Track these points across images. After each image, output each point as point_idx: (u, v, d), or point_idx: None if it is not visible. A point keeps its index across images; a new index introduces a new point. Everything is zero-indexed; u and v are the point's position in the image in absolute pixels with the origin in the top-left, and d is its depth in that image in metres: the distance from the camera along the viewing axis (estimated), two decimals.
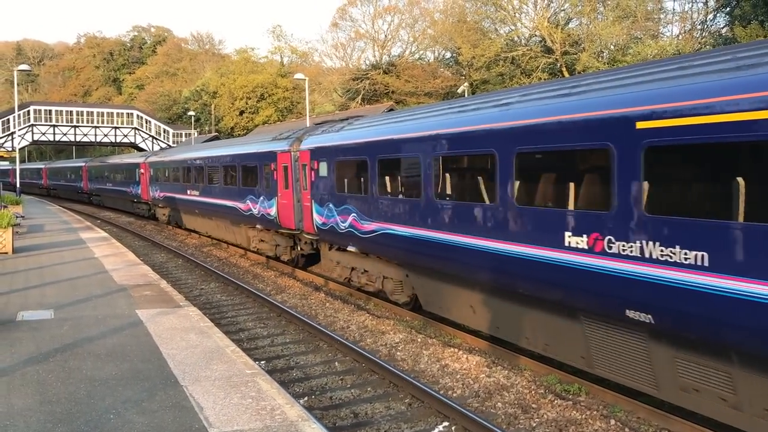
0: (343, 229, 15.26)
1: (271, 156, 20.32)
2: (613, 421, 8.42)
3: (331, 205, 15.92)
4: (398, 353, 11.64)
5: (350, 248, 15.31)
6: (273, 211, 20.12)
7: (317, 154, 16.84)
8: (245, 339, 12.82)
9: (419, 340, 12.22)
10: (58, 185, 66.21)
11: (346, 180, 15.52)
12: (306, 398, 9.55)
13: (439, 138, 11.61)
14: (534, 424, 8.52)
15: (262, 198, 20.98)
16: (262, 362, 11.06)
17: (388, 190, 13.66)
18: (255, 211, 21.54)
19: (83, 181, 55.45)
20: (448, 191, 11.74)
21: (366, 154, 14.11)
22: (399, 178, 13.31)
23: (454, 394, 9.64)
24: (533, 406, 9.06)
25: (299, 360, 11.50)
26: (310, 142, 17.54)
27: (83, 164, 56.65)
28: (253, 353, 11.62)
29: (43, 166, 75.31)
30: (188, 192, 29.33)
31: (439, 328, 13.16)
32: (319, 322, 13.93)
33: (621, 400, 9.03)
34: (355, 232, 14.60)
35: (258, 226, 21.92)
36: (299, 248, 20.23)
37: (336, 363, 11.21)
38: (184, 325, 10.69)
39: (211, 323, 11.10)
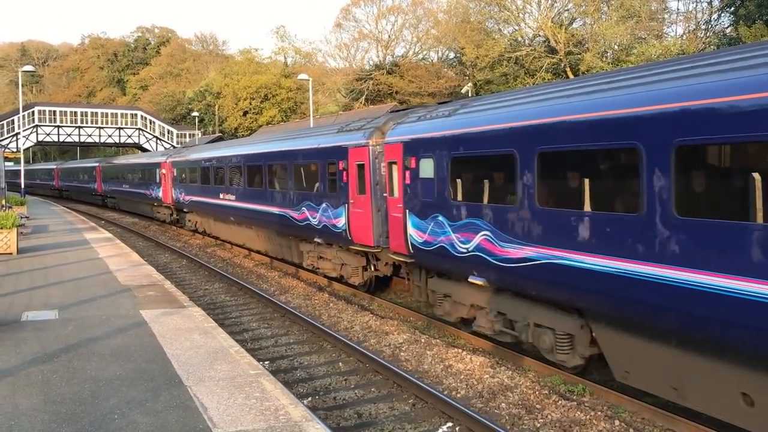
0: (462, 252, 11.07)
1: (338, 152, 16.15)
2: (617, 422, 8.40)
3: (440, 218, 11.77)
4: (402, 354, 11.63)
5: (474, 279, 11.01)
6: (341, 222, 16.06)
7: (415, 148, 12.67)
8: (249, 339, 12.84)
9: (423, 340, 12.22)
10: (71, 186, 62.27)
11: (470, 183, 11.43)
12: (310, 398, 9.55)
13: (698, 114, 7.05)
14: (538, 425, 8.51)
15: (324, 205, 16.88)
16: (266, 362, 11.07)
17: (561, 198, 9.32)
18: (314, 221, 17.44)
19: (97, 183, 51.65)
20: (710, 205, 7.38)
21: (513, 146, 9.80)
22: (585, 180, 8.85)
23: (458, 395, 9.63)
24: (537, 406, 9.05)
25: (303, 360, 11.50)
26: (403, 133, 13.42)
27: (97, 164, 52.59)
28: (257, 353, 11.62)
29: (55, 167, 71.18)
30: (221, 196, 25.12)
31: (443, 328, 13.15)
32: (323, 322, 13.94)
33: (625, 401, 9.01)
34: (487, 258, 10.41)
35: (317, 240, 17.68)
36: (373, 268, 16.12)
37: (340, 363, 11.21)
38: (188, 326, 10.70)
39: (215, 324, 11.12)
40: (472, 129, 11.11)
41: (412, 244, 12.92)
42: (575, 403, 9.06)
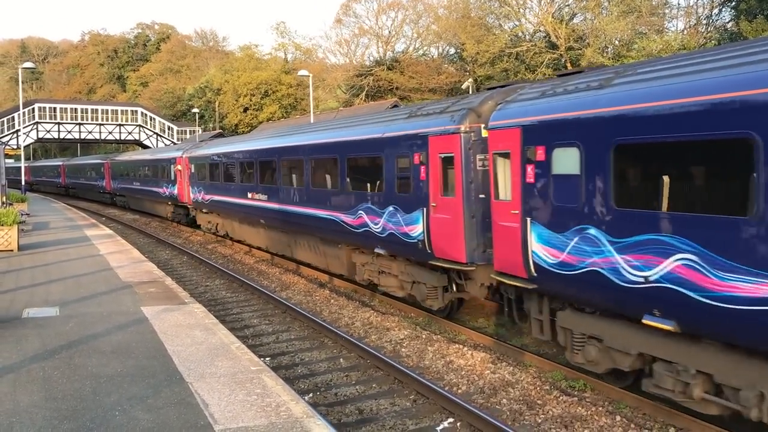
0: (636, 282, 7.83)
1: (413, 142, 12.91)
2: (618, 418, 8.41)
3: (592, 232, 8.47)
4: (403, 350, 11.63)
5: (654, 321, 7.73)
6: (417, 230, 12.78)
7: (545, 133, 9.40)
8: (250, 336, 12.84)
9: (424, 336, 12.22)
10: (77, 184, 59.18)
11: (652, 182, 7.85)
12: (311, 395, 9.56)
13: None
14: (539, 420, 8.51)
15: (391, 209, 13.63)
16: (267, 359, 11.07)
17: None
18: (375, 228, 14.20)
19: (105, 180, 48.53)
20: None
21: (749, 126, 6.59)
22: None
23: (459, 391, 9.63)
24: (538, 402, 9.05)
25: (304, 356, 11.51)
26: (520, 113, 10.08)
27: (105, 161, 49.15)
28: (258, 350, 11.63)
29: (61, 163, 67.62)
30: (249, 195, 21.98)
31: (444, 324, 13.14)
32: (324, 318, 13.94)
33: (627, 397, 9.01)
34: (688, 293, 7.22)
35: (379, 251, 14.42)
36: (455, 288, 12.70)
37: (341, 359, 11.22)
38: (189, 322, 10.70)
39: (216, 320, 11.12)
40: (658, 103, 7.66)
41: (536, 264, 9.63)
42: (576, 398, 9.07)
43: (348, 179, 15.60)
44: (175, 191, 31.71)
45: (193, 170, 29.16)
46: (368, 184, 14.75)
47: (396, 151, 13.53)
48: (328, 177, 16.71)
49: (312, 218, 17.45)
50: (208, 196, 26.90)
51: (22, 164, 50.95)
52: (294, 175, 18.78)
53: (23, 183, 47.95)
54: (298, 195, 18.38)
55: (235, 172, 23.59)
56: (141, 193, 39.42)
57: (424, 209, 12.65)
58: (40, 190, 71.15)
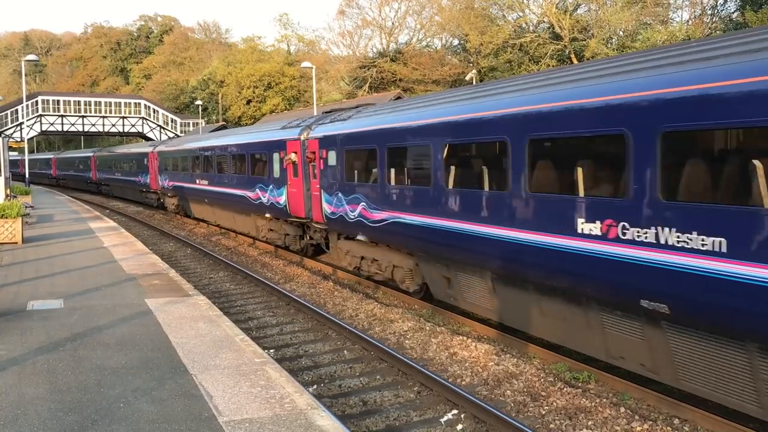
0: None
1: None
2: (623, 409, 8.40)
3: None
4: (407, 341, 11.63)
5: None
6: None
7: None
8: (254, 328, 12.85)
9: (428, 328, 12.21)
10: (111, 180, 49.60)
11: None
12: (315, 386, 9.57)
13: None
14: (543, 412, 8.51)
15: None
16: (271, 351, 11.08)
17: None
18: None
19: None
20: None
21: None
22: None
23: (463, 382, 9.63)
24: (542, 393, 9.05)
25: (308, 348, 11.52)
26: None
27: (151, 149, 39.16)
28: (262, 342, 11.65)
29: (91, 154, 57.66)
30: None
31: (448, 316, 13.14)
32: (328, 310, 13.94)
33: (631, 388, 9.00)
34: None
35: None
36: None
37: (345, 351, 11.22)
38: (193, 314, 10.71)
39: (220, 312, 11.12)
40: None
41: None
42: (581, 390, 9.06)
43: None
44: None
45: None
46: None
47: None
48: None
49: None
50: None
51: (26, 157, 51.06)
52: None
53: (27, 176, 48.00)
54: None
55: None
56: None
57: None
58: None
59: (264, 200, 20.60)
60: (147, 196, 40.11)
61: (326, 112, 18.97)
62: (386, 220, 13.67)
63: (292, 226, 20.03)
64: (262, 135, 21.20)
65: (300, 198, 18.17)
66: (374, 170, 14.18)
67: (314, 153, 16.88)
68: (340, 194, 15.81)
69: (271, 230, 21.60)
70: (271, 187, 20.05)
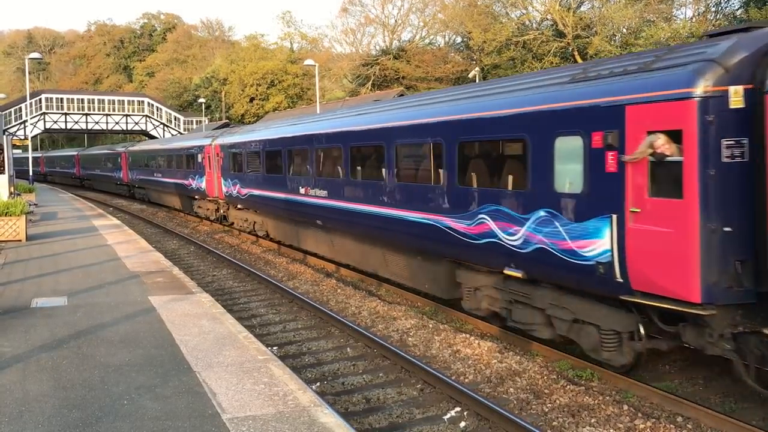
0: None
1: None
2: (626, 407, 8.40)
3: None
4: (410, 339, 11.64)
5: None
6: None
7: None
8: (257, 325, 12.87)
9: (430, 325, 12.22)
10: (148, 182, 40.35)
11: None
12: (318, 384, 9.58)
13: None
14: (546, 410, 8.51)
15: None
16: (275, 348, 11.10)
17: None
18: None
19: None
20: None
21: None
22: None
23: (466, 380, 9.64)
24: (545, 391, 9.05)
25: (311, 346, 11.53)
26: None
27: (208, 142, 28.14)
28: (266, 339, 11.66)
29: (123, 150, 46.66)
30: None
31: (450, 314, 13.15)
32: (331, 308, 13.96)
33: (634, 386, 9.00)
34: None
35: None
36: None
37: (348, 349, 11.24)
38: (196, 312, 10.74)
39: (224, 309, 11.15)
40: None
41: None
42: (583, 387, 9.06)
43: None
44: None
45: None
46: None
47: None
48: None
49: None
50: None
51: (30, 154, 51.12)
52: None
53: (31, 173, 48.05)
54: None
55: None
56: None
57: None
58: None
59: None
60: (201, 207, 30.09)
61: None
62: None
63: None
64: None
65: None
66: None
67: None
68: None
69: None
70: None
